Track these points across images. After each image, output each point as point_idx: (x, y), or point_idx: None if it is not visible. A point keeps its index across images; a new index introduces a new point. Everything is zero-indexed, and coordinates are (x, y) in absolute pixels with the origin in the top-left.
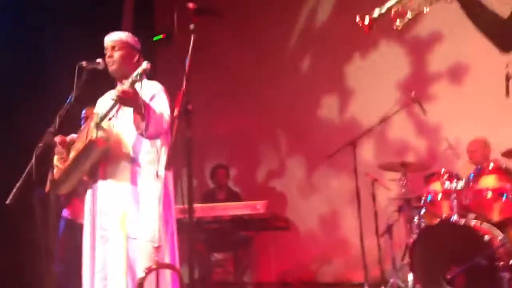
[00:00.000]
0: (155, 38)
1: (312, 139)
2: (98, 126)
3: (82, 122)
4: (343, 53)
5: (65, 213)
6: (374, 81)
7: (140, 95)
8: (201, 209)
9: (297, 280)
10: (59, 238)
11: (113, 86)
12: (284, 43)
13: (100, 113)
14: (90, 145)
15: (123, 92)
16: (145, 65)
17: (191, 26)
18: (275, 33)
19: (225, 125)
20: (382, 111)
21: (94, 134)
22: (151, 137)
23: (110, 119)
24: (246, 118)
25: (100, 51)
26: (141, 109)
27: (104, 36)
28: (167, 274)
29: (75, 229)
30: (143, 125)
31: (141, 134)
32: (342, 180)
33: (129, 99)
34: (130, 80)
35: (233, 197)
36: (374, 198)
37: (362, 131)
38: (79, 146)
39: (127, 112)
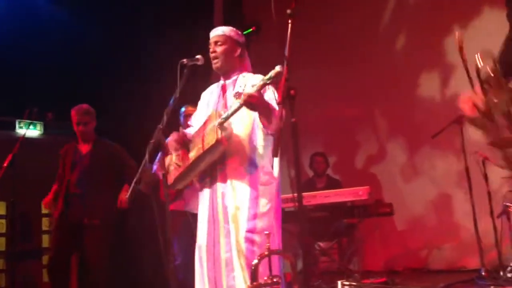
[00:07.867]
0: (245, 32)
1: (412, 119)
2: (221, 126)
3: (181, 119)
4: (441, 25)
5: (178, 206)
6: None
7: (265, 96)
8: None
9: (406, 268)
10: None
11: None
12: (377, 21)
13: (224, 114)
14: (217, 144)
15: (250, 96)
16: (278, 68)
17: (288, 11)
18: (366, 12)
19: (320, 111)
20: None
21: (219, 133)
22: (274, 133)
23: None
24: (342, 103)
25: (196, 46)
26: (266, 112)
27: (197, 32)
28: (275, 262)
29: (189, 222)
30: (271, 126)
31: (268, 133)
32: (449, 161)
33: (255, 103)
34: (261, 82)
35: (333, 184)
36: (486, 178)
37: None
38: (201, 145)
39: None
